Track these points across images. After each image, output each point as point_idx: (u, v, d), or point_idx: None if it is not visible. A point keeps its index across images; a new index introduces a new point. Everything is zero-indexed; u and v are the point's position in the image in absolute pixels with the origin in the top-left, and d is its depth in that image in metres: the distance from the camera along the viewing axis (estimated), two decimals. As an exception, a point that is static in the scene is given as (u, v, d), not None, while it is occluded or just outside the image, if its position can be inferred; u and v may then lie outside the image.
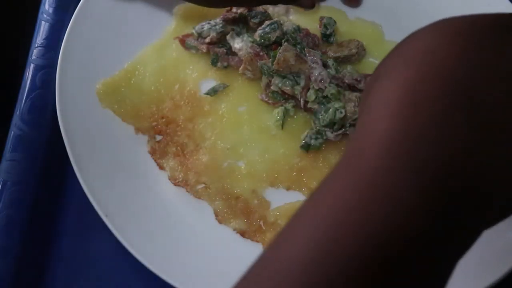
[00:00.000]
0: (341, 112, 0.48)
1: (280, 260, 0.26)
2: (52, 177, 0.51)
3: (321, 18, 0.55)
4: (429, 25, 0.30)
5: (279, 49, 0.50)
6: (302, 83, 0.50)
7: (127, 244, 0.46)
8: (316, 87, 0.49)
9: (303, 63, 0.50)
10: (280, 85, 0.50)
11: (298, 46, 0.52)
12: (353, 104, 0.49)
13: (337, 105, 0.49)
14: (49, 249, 0.49)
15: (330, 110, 0.48)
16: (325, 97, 0.49)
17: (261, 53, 0.51)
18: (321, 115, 0.49)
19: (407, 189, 0.25)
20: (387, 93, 0.28)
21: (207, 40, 0.52)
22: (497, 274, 0.44)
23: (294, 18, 0.56)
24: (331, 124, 0.49)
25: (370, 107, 0.28)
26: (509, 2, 0.54)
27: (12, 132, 0.51)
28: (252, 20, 0.54)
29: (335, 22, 0.55)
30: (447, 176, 0.25)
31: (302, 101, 0.50)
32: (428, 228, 0.25)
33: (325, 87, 0.49)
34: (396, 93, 0.27)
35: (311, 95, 0.49)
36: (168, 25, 0.55)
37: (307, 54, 0.51)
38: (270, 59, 0.51)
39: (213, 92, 0.52)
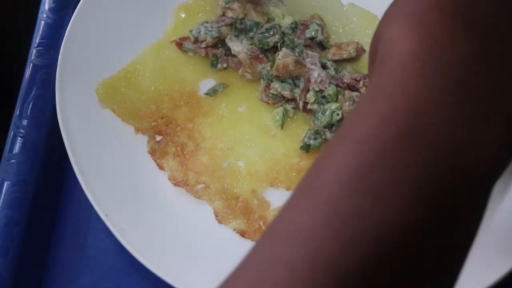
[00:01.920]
0: (338, 114, 0.48)
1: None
2: (52, 177, 0.51)
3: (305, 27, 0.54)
4: None
5: (278, 54, 0.50)
6: (301, 85, 0.50)
7: (126, 244, 0.46)
8: (317, 89, 0.49)
9: (302, 67, 0.50)
10: (279, 89, 0.50)
11: (296, 50, 0.51)
12: (348, 103, 0.49)
13: (333, 106, 0.49)
14: (49, 249, 0.49)
15: (327, 112, 0.48)
16: (324, 97, 0.49)
17: (260, 56, 0.51)
18: (320, 116, 0.49)
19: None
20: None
21: (203, 45, 0.52)
22: (496, 274, 0.44)
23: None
24: (329, 126, 0.49)
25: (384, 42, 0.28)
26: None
27: (12, 132, 0.51)
28: (250, 34, 0.53)
29: (319, 25, 0.53)
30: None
31: (301, 103, 0.50)
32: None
33: (325, 88, 0.49)
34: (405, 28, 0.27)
35: (311, 96, 0.49)
36: (168, 25, 0.55)
37: (305, 57, 0.51)
38: (269, 63, 0.51)
39: (213, 92, 0.52)
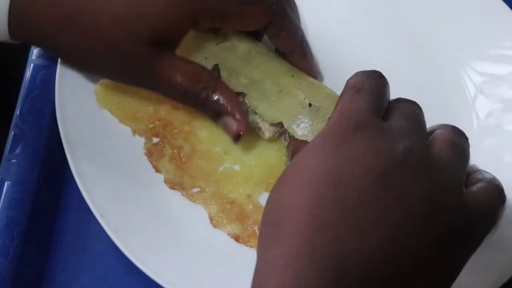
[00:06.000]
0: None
1: None
2: (52, 177, 0.52)
3: None
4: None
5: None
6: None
7: (120, 244, 0.46)
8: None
9: None
10: None
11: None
12: None
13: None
14: (49, 249, 0.50)
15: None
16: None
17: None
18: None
19: None
20: None
21: None
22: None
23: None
24: None
25: None
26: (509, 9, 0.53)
27: (13, 132, 0.51)
28: None
29: None
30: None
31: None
32: None
33: None
34: None
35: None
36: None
37: None
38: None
39: (211, 95, 0.52)
